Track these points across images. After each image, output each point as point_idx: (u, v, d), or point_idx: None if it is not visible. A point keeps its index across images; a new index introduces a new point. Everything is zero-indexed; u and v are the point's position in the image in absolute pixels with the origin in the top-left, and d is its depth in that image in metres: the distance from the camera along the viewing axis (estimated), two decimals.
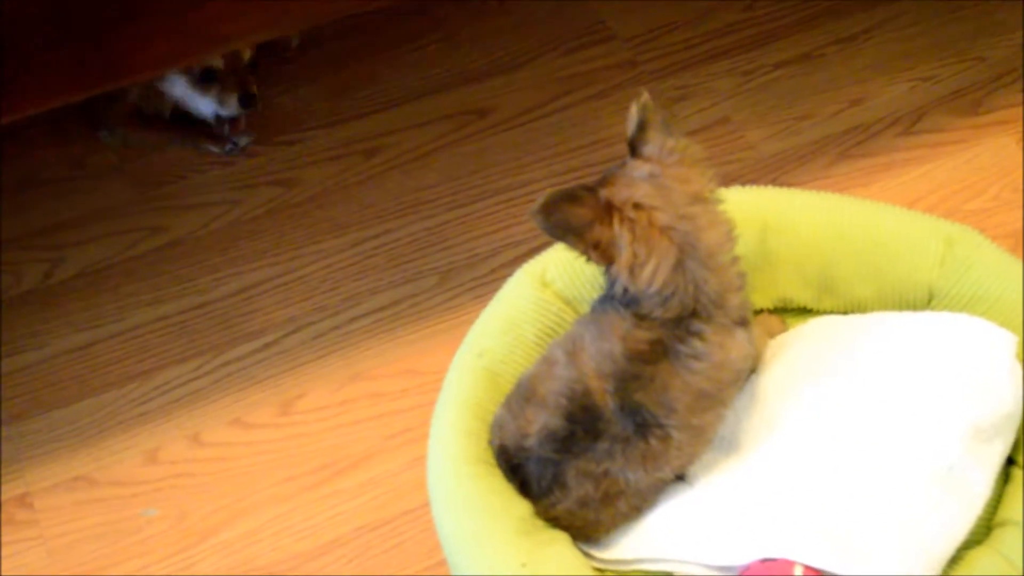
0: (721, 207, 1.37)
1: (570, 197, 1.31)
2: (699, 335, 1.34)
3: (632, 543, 1.43)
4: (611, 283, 1.35)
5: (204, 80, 2.15)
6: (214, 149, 2.23)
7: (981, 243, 1.56)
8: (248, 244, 2.12)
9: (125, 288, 2.07)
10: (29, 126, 2.26)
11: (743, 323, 1.38)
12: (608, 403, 1.35)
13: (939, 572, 1.35)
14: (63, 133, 2.27)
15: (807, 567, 1.34)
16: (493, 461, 1.44)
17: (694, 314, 1.34)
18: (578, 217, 1.31)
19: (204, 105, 2.18)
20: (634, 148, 1.37)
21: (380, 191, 2.18)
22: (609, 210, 1.31)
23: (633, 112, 1.37)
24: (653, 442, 1.36)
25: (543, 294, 1.57)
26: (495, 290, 1.61)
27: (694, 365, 1.34)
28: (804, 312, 1.62)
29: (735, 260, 1.37)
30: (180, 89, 2.18)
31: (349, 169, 2.21)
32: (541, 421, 1.39)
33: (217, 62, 2.13)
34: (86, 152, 2.26)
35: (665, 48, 2.36)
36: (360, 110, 2.30)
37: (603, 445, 1.36)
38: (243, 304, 2.04)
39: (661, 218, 1.31)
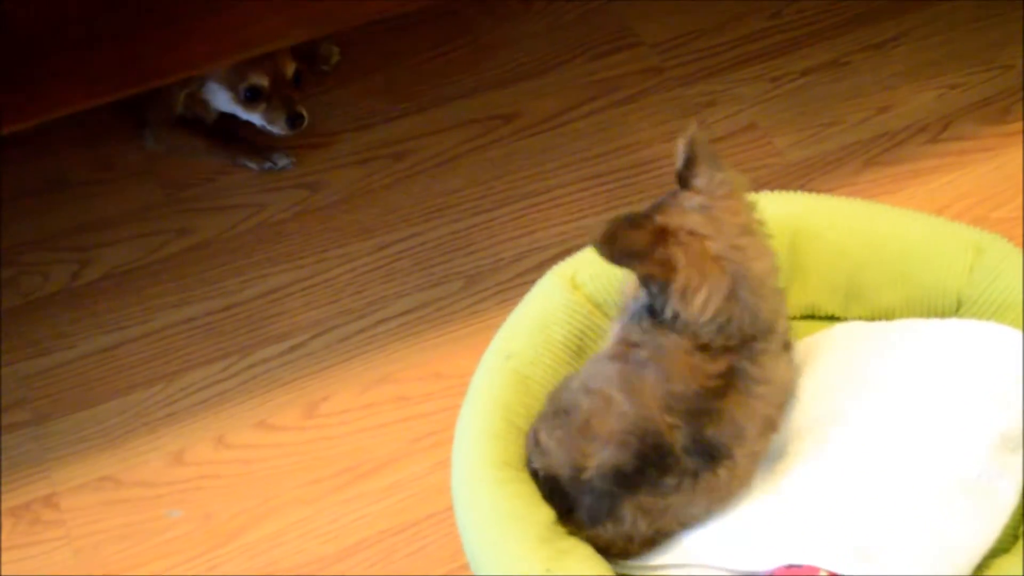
0: (769, 240, 1.39)
1: (630, 223, 1.32)
2: (761, 358, 1.36)
3: (657, 549, 1.42)
4: (661, 307, 1.35)
5: (250, 98, 2.15)
6: (252, 166, 2.23)
7: (1010, 251, 1.55)
8: (274, 247, 2.12)
9: (151, 290, 2.07)
10: (57, 128, 2.26)
11: (788, 347, 1.41)
12: (677, 439, 1.35)
13: None
14: (91, 135, 2.28)
15: (832, 573, 1.33)
16: (518, 465, 1.44)
17: (754, 339, 1.35)
18: (639, 242, 1.32)
19: (252, 119, 2.19)
20: (683, 180, 1.38)
21: (406, 195, 2.18)
22: (665, 234, 1.32)
23: (681, 145, 1.38)
24: (721, 472, 1.36)
25: (573, 296, 1.57)
26: (521, 294, 1.61)
27: (758, 390, 1.36)
28: (832, 320, 1.62)
29: (782, 289, 1.40)
30: (225, 103, 2.19)
31: (376, 173, 2.22)
32: (604, 457, 1.37)
33: (262, 80, 2.13)
34: (114, 154, 2.27)
35: (692, 54, 2.36)
36: (387, 114, 2.30)
37: (671, 480, 1.36)
38: (269, 307, 2.05)
39: (713, 247, 1.33)
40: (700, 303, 1.32)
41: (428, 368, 1.95)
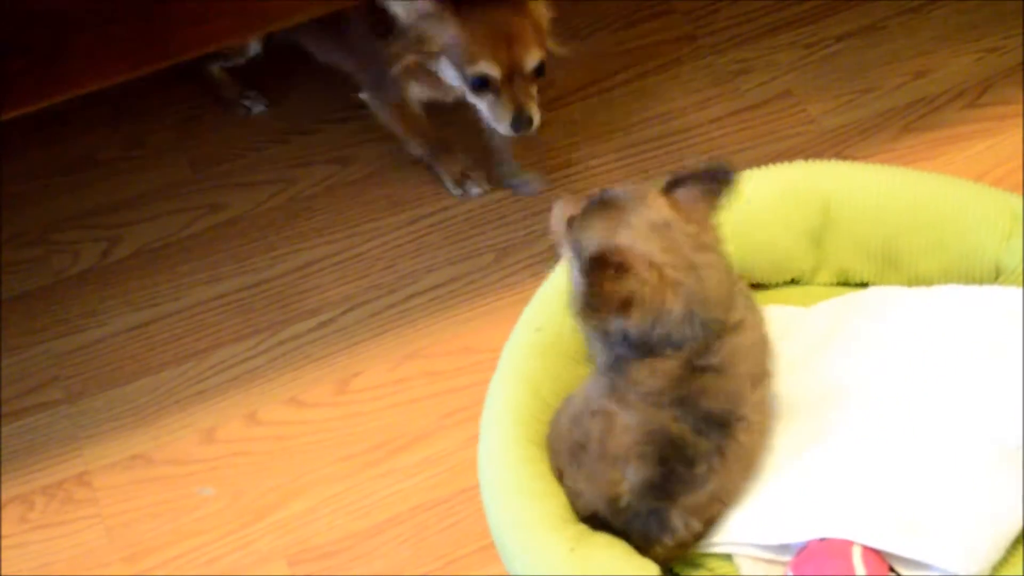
0: (721, 247, 1.35)
1: (602, 279, 1.29)
2: (718, 353, 1.33)
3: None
4: (616, 332, 1.33)
5: (477, 86, 1.86)
6: (448, 186, 2.13)
7: None
8: (305, 222, 2.12)
9: (182, 267, 2.07)
10: (87, 105, 2.26)
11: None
12: (685, 428, 1.33)
13: (1001, 555, 1.32)
14: (122, 112, 2.28)
15: (865, 546, 1.32)
16: (543, 443, 1.44)
17: (706, 344, 1.32)
18: (616, 294, 1.29)
19: (478, 106, 1.91)
20: (671, 184, 1.36)
21: None
22: (624, 268, 1.30)
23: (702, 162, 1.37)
24: (741, 435, 1.35)
25: None
26: (552, 268, 1.60)
27: (726, 363, 1.33)
28: (863, 287, 1.60)
29: (733, 277, 1.36)
30: (455, 80, 1.89)
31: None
32: (630, 476, 1.35)
33: (493, 70, 1.84)
34: (144, 131, 2.26)
35: (725, 21, 2.33)
36: None
37: (700, 469, 1.34)
38: (300, 282, 2.04)
39: (671, 274, 1.30)
40: (650, 322, 1.30)
41: (459, 343, 1.94)
